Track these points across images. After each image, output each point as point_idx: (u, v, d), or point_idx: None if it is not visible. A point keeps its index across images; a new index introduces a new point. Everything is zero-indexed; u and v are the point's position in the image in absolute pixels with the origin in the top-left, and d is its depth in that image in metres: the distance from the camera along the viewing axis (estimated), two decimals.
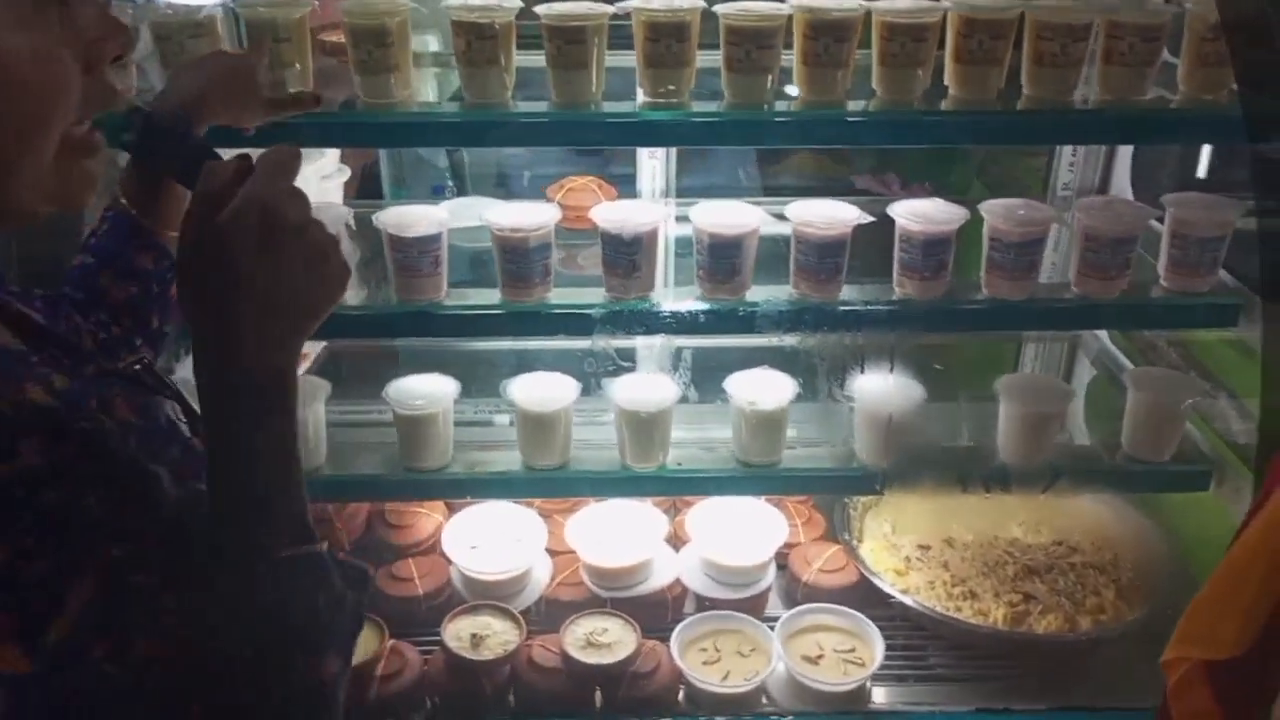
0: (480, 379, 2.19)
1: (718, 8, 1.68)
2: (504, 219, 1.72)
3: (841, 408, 1.94)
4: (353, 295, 1.80)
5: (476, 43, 1.68)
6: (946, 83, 1.74)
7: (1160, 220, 1.81)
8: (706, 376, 2.19)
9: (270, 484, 0.82)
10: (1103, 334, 2.29)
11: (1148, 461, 1.92)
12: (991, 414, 1.93)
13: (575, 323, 1.78)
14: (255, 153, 0.85)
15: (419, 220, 1.73)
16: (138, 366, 0.96)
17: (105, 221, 1.30)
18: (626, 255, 1.74)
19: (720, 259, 1.75)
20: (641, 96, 1.73)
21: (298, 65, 1.71)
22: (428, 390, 1.86)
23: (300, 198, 0.83)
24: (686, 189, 2.39)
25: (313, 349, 2.28)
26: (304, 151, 0.88)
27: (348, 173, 2.21)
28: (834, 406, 1.95)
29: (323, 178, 2.06)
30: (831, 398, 1.92)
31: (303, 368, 2.27)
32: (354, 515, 2.12)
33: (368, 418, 2.18)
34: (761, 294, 1.80)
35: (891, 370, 1.89)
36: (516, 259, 1.73)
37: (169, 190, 1.30)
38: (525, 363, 2.06)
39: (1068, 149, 2.20)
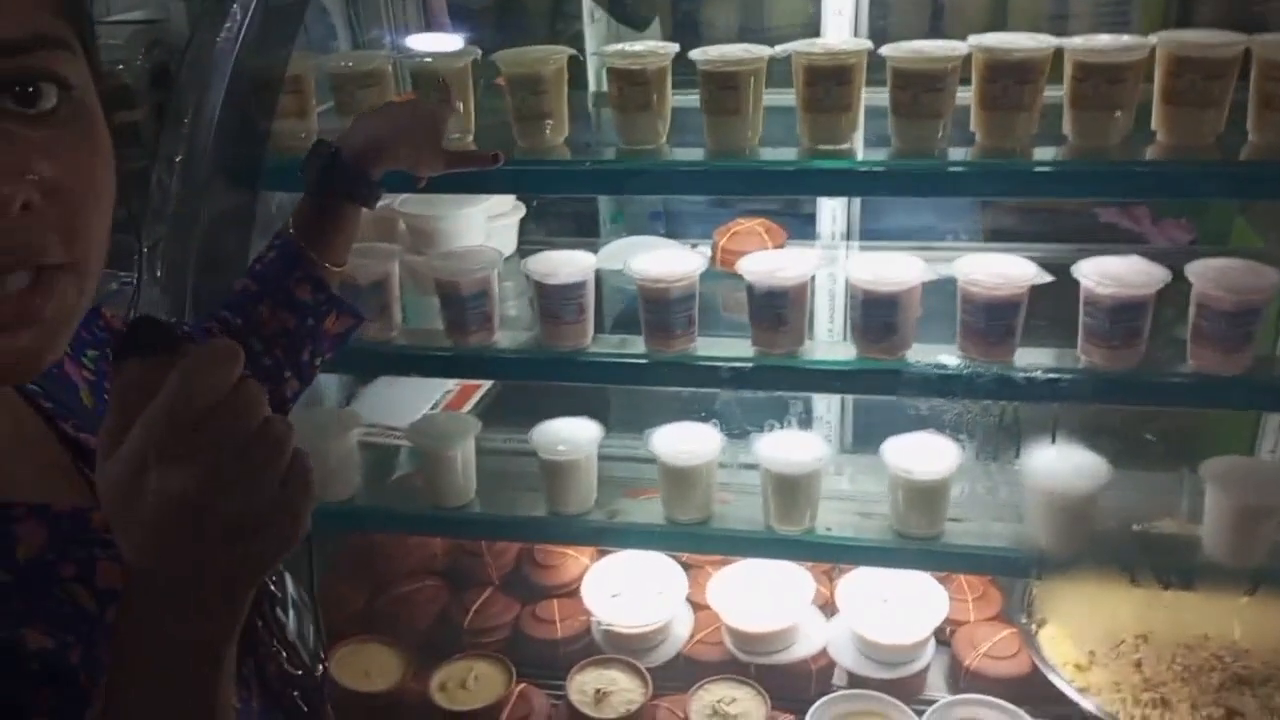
0: (639, 412, 2.16)
1: (884, 49, 1.56)
2: (645, 268, 1.68)
3: (1012, 478, 1.76)
4: (506, 337, 1.82)
5: (629, 89, 1.64)
6: (1154, 126, 1.53)
7: None
8: (870, 427, 2.06)
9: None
10: None
11: None
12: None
13: (719, 375, 1.71)
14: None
15: (563, 267, 1.71)
16: None
17: (272, 249, 1.35)
18: (772, 308, 1.65)
19: (874, 316, 1.62)
20: (803, 142, 1.64)
21: (460, 108, 1.74)
22: (571, 435, 1.85)
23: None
24: (881, 230, 2.26)
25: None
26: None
27: (522, 210, 2.23)
28: (1004, 478, 1.78)
29: (491, 218, 2.10)
30: (999, 469, 1.74)
31: (473, 398, 2.33)
32: (504, 551, 2.14)
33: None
34: (924, 353, 1.65)
35: (1054, 442, 1.69)
36: (658, 309, 1.68)
37: (338, 225, 1.35)
38: (684, 401, 2.01)
39: None
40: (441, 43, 2.09)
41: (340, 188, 1.34)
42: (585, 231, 2.73)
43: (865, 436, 2.16)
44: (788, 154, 1.63)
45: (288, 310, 1.31)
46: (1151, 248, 2.49)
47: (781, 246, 2.01)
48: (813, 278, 1.68)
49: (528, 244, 2.28)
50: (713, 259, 2.06)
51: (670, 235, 2.60)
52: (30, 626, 0.65)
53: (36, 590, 0.68)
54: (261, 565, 0.60)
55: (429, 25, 2.25)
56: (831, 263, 2.05)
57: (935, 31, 2.32)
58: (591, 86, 2.40)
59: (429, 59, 1.71)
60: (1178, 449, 2.09)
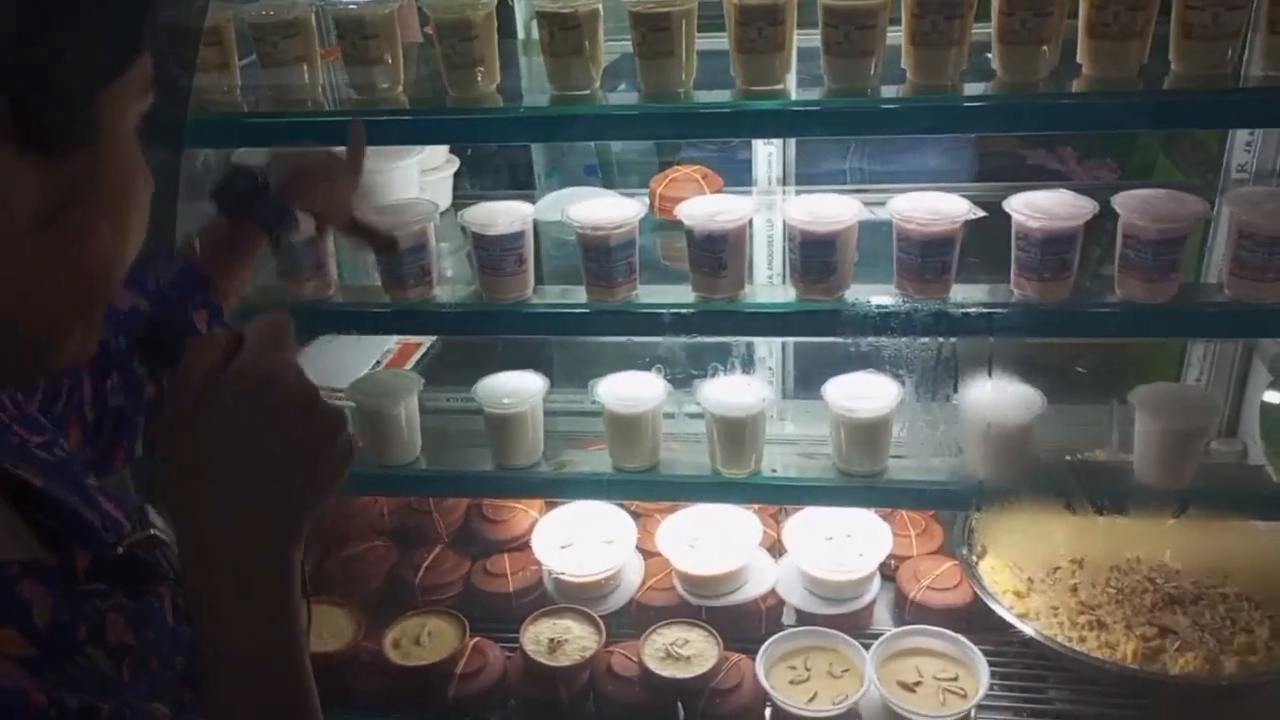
0: (583, 365, 2.16)
1: None
2: (584, 216, 1.66)
3: (951, 414, 1.79)
4: (444, 290, 1.80)
5: (559, 33, 1.62)
6: (1080, 60, 1.55)
7: None
8: (811, 372, 2.08)
9: (277, 691, 0.74)
10: None
11: None
12: None
13: (661, 323, 1.71)
14: None
15: (501, 217, 1.69)
16: (137, 545, 0.81)
17: (172, 271, 1.27)
18: (712, 253, 1.65)
19: (813, 257, 1.63)
20: (737, 84, 1.63)
21: (388, 59, 1.70)
22: (515, 388, 1.84)
23: (299, 372, 0.75)
24: (818, 175, 2.25)
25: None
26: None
27: (456, 164, 2.20)
28: (944, 413, 1.81)
29: (424, 171, 2.06)
30: (938, 406, 1.77)
31: (414, 356, 2.31)
32: (453, 508, 2.14)
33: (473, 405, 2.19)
34: (862, 293, 1.67)
35: (990, 376, 1.72)
36: (599, 257, 1.68)
37: (248, 254, 1.34)
38: (626, 352, 2.01)
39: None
40: None
41: (261, 217, 1.33)
42: (520, 185, 2.71)
43: (807, 380, 2.18)
44: (722, 96, 1.63)
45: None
46: (1079, 184, 2.54)
47: (719, 193, 2.01)
48: (751, 222, 1.69)
49: (462, 199, 2.26)
50: (651, 207, 2.05)
51: (606, 186, 2.59)
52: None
53: (61, 659, 0.67)
54: (331, 483, 0.75)
55: None
56: (769, 208, 2.05)
57: None
58: (520, 35, 2.37)
59: (353, 5, 1.66)
60: (1109, 381, 2.15)
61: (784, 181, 2.16)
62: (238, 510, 0.71)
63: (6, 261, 0.62)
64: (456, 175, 2.29)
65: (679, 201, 1.89)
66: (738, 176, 2.16)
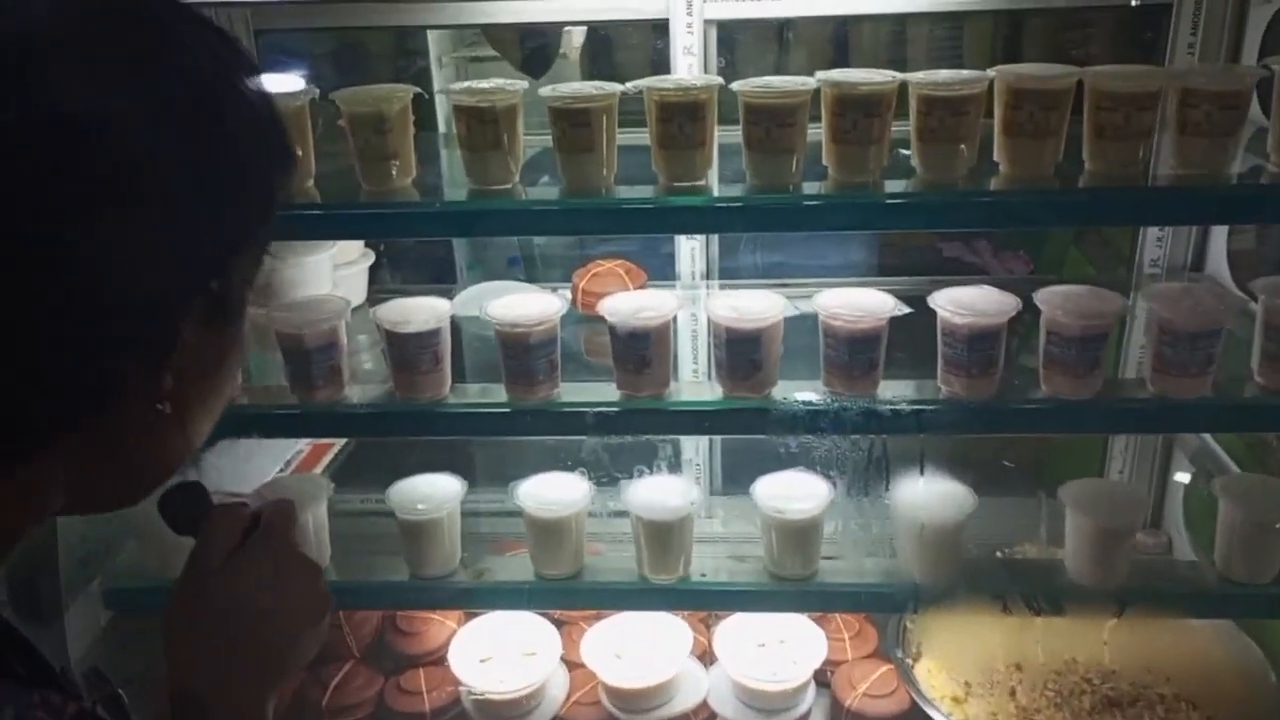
0: (503, 464, 2.08)
1: (735, 85, 1.55)
2: (503, 313, 1.61)
3: (883, 512, 1.75)
4: (357, 392, 1.72)
5: (477, 127, 1.58)
6: (996, 158, 1.57)
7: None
8: (739, 467, 2.03)
9: None
10: None
11: (1245, 583, 1.66)
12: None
13: (584, 423, 1.64)
14: None
15: (416, 314, 1.63)
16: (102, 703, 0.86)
17: None
18: (636, 350, 1.60)
19: (739, 354, 1.59)
20: (660, 179, 1.61)
21: (298, 152, 1.64)
22: (430, 492, 1.75)
23: (305, 555, 0.89)
24: (739, 269, 2.24)
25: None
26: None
27: (371, 257, 2.14)
28: (876, 512, 1.77)
29: (338, 265, 1.99)
30: (870, 504, 1.73)
31: (326, 457, 2.20)
32: (365, 620, 2.01)
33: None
34: (790, 390, 1.63)
35: (922, 474, 1.69)
36: (518, 355, 1.61)
37: None
38: (549, 450, 1.93)
39: None
40: (278, 83, 1.98)
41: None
42: (441, 278, 2.65)
43: (735, 477, 2.13)
44: (644, 191, 1.60)
45: None
46: (997, 278, 2.57)
47: (642, 287, 1.98)
48: (675, 318, 1.64)
49: (380, 293, 2.19)
50: (573, 302, 2.01)
51: (529, 280, 2.54)
52: None
53: None
54: (314, 648, 0.90)
55: (263, 69, 2.13)
56: (693, 302, 2.03)
57: (781, 70, 2.37)
58: (441, 128, 2.34)
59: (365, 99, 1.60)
60: (1035, 474, 2.14)
61: (707, 275, 2.14)
62: (240, 673, 0.83)
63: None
64: (374, 268, 2.23)
65: (602, 297, 1.84)
66: (661, 270, 2.14)
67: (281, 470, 2.06)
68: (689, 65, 1.95)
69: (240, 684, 0.83)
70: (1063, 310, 1.55)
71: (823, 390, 1.63)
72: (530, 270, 2.66)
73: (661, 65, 1.97)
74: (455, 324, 1.71)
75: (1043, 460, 2.32)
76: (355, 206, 1.58)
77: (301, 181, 1.64)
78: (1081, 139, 1.53)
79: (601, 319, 1.65)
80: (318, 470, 2.12)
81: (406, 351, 1.62)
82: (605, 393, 1.66)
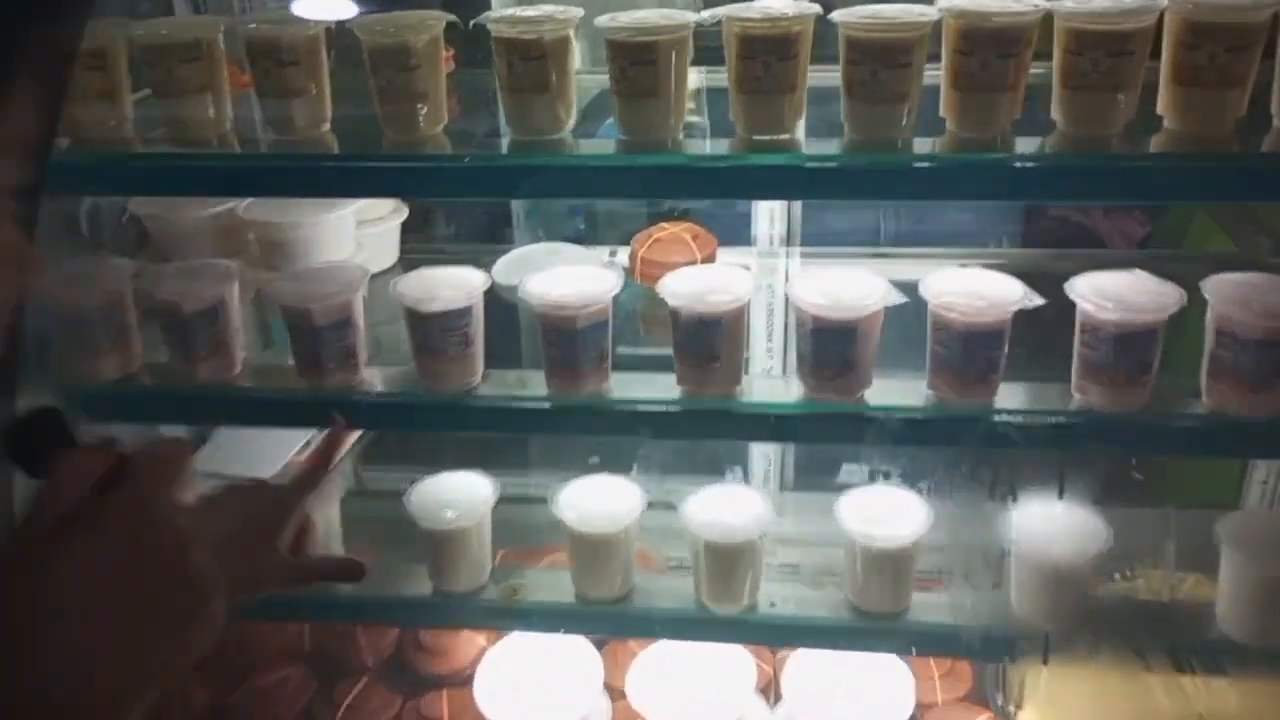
0: (542, 450, 1.83)
1: (837, 15, 1.26)
2: (544, 291, 1.34)
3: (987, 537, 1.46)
4: (376, 375, 1.47)
5: (520, 65, 1.31)
6: (1160, 110, 1.25)
7: None
8: (814, 460, 1.76)
9: None
10: None
11: None
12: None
13: (637, 423, 1.38)
14: None
15: (442, 289, 1.37)
16: None
17: None
18: (702, 341, 1.32)
19: (828, 349, 1.30)
20: (737, 131, 1.32)
21: (311, 89, 1.38)
22: (458, 496, 1.50)
23: (180, 523, 0.65)
24: (825, 233, 1.94)
25: None
26: None
27: (404, 212, 1.88)
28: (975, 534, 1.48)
29: (363, 222, 1.74)
30: (970, 525, 1.45)
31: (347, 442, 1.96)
32: (382, 633, 1.78)
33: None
34: (886, 393, 1.35)
35: (1061, 498, 1.40)
36: (563, 342, 1.35)
37: None
38: (595, 441, 1.67)
39: None
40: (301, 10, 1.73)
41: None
42: (492, 233, 2.36)
43: (809, 470, 1.86)
44: (718, 146, 1.31)
45: None
46: (1122, 253, 2.23)
47: (711, 257, 1.70)
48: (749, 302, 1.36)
49: (415, 253, 1.94)
50: (631, 271, 1.74)
51: (590, 234, 2.27)
52: None
53: None
54: (184, 656, 0.65)
55: None
56: (770, 272, 1.75)
57: None
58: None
59: (267, 26, 1.35)
60: (1157, 480, 1.82)
61: (787, 241, 1.86)
62: (75, 660, 0.60)
63: None
64: (410, 222, 1.97)
65: (664, 268, 1.58)
66: (734, 233, 1.85)
67: (298, 454, 1.83)
68: None
69: (73, 683, 0.60)
70: (1239, 306, 1.23)
71: (927, 394, 1.34)
72: (592, 225, 2.37)
73: None
74: (496, 296, 1.45)
75: (1166, 465, 2.00)
76: (368, 158, 1.33)
77: (314, 125, 1.39)
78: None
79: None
80: (342, 452, 1.89)
81: (431, 333, 1.37)
82: (664, 388, 1.39)
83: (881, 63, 1.24)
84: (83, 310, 1.43)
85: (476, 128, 1.48)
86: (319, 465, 0.95)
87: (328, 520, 1.54)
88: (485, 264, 1.83)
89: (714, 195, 1.53)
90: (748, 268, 1.76)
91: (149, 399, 1.49)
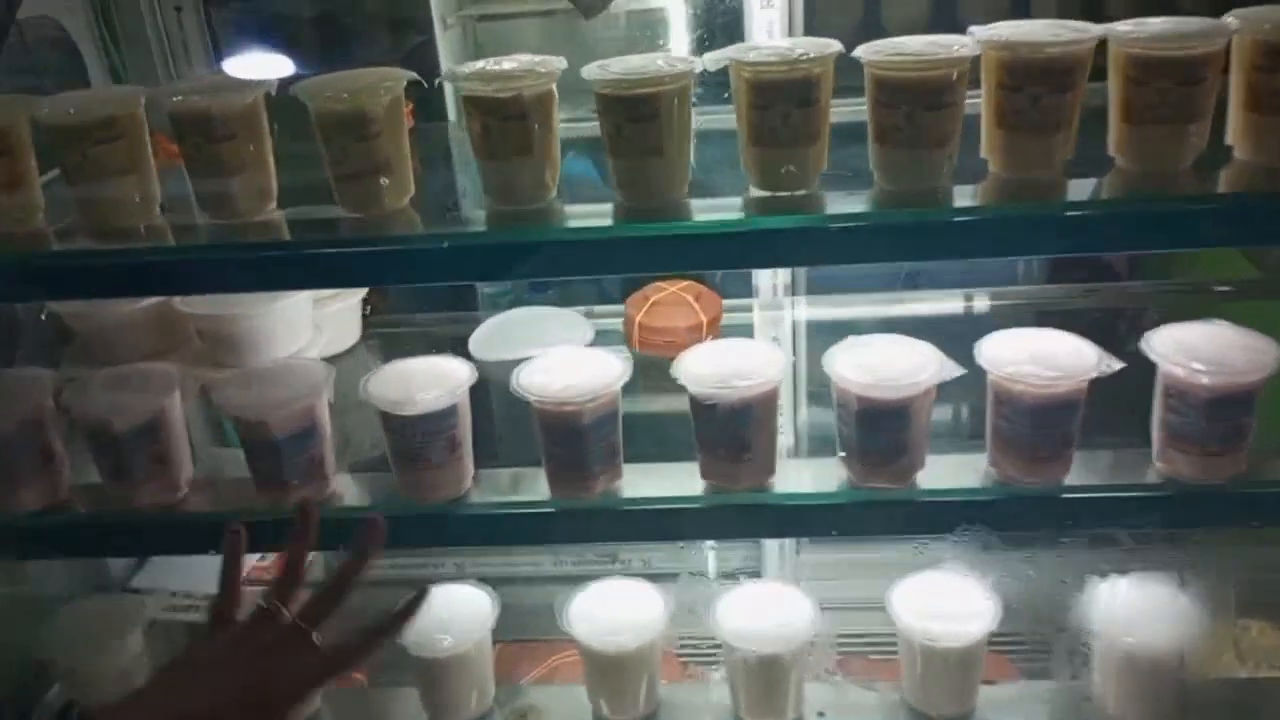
0: None
1: (862, 51, 1.09)
2: (543, 384, 1.15)
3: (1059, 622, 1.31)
4: (347, 486, 1.28)
5: (498, 126, 1.12)
6: (1232, 141, 1.10)
7: None
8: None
9: None
10: None
11: None
12: None
13: (656, 526, 1.20)
14: None
15: (423, 389, 1.17)
16: None
17: None
18: (732, 431, 1.14)
19: (877, 433, 1.13)
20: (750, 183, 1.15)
21: (253, 166, 1.18)
22: (455, 613, 1.31)
23: None
24: (834, 279, 1.77)
25: None
26: None
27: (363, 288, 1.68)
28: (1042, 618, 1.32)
29: (319, 300, 1.53)
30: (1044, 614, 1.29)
31: None
32: None
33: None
34: (942, 474, 1.18)
35: (1182, 589, 1.24)
36: (566, 440, 1.16)
37: None
38: None
39: None
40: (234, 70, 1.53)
41: None
42: (456, 299, 2.18)
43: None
44: (731, 208, 1.14)
45: None
46: (1145, 286, 2.07)
47: (717, 319, 1.53)
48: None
49: (378, 326, 1.74)
50: (628, 338, 1.56)
51: (563, 296, 2.08)
52: None
53: None
54: None
55: (217, 48, 1.67)
56: (773, 324, 1.59)
57: (869, 26, 1.88)
58: (451, 116, 1.87)
59: (197, 96, 1.15)
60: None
61: (792, 290, 1.70)
62: None
63: None
64: (368, 296, 1.77)
65: (665, 335, 1.41)
66: (731, 284, 1.68)
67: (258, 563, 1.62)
68: (766, 22, 1.50)
69: None
70: None
71: (988, 473, 1.17)
72: (565, 286, 2.19)
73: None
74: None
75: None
76: (326, 244, 1.13)
77: (257, 206, 1.19)
78: None
79: (665, 356, 1.20)
80: None
81: (411, 439, 1.18)
82: (683, 482, 1.21)
83: (920, 104, 1.07)
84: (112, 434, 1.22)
85: (446, 196, 1.29)
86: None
87: None
88: (457, 336, 1.65)
89: (733, 265, 1.36)
90: (751, 324, 1.60)
91: (81, 531, 1.28)
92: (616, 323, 1.61)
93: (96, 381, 1.26)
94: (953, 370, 1.12)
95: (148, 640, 1.39)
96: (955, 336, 1.51)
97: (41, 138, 1.21)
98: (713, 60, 1.12)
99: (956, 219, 1.09)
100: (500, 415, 1.44)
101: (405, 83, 1.16)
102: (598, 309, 1.68)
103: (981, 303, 1.79)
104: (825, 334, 1.63)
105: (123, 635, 1.29)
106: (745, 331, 1.59)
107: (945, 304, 1.79)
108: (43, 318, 1.47)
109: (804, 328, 1.67)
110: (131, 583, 1.61)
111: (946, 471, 1.18)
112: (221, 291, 1.35)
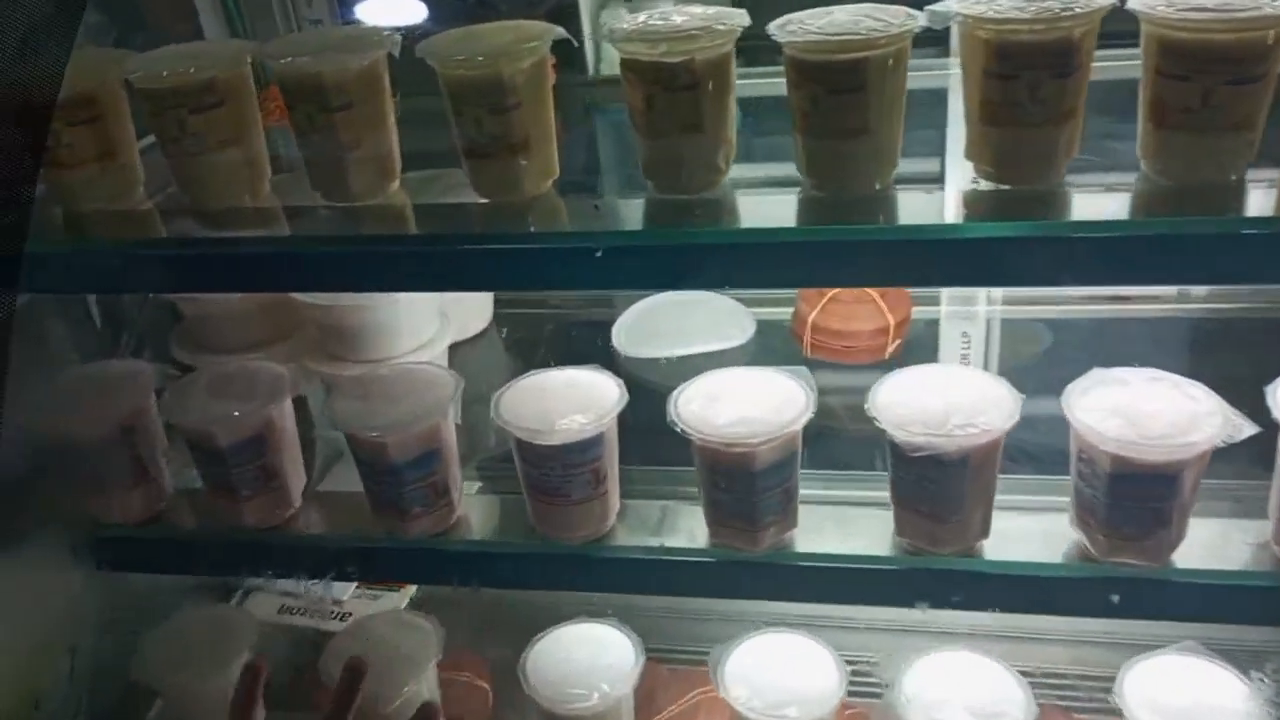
0: None
1: (1139, 3, 0.83)
2: (708, 417, 0.95)
3: None
4: (476, 513, 1.11)
5: (663, 97, 0.91)
6: None
7: None
8: None
9: None
10: None
11: None
12: None
13: (834, 587, 1.00)
14: None
15: (565, 418, 0.98)
16: None
17: None
18: (939, 488, 0.92)
19: (1132, 501, 0.89)
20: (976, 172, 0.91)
21: (371, 141, 1.00)
22: (591, 661, 1.13)
23: None
24: None
25: None
26: None
27: None
28: None
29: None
30: None
31: None
32: None
33: None
34: (1200, 549, 0.93)
35: None
36: (735, 485, 0.96)
37: None
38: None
39: None
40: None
41: None
42: None
43: None
44: (942, 207, 0.90)
45: None
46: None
47: (905, 321, 1.29)
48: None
49: (509, 307, 1.56)
50: (795, 335, 1.34)
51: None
52: None
53: None
54: None
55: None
56: (966, 319, 1.34)
57: None
58: (590, 71, 1.66)
59: (307, 58, 0.96)
60: None
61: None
62: None
63: None
64: None
65: (845, 340, 1.21)
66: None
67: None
68: None
69: None
70: None
71: (1272, 552, 0.92)
72: None
73: None
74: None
75: None
76: (456, 239, 0.94)
77: (373, 187, 1.01)
78: None
79: (842, 363, 0.99)
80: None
81: (549, 473, 0.99)
82: (872, 534, 1.00)
83: (1224, 76, 0.81)
84: (91, 436, 1.09)
85: (590, 179, 1.08)
86: None
87: (429, 687, 1.19)
88: (596, 323, 1.46)
89: (966, 283, 1.12)
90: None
91: (178, 547, 1.15)
92: (782, 313, 1.38)
93: (199, 384, 1.12)
94: (1241, 427, 0.86)
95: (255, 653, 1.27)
96: (1187, 345, 1.25)
97: (135, 101, 1.06)
98: (939, 16, 0.87)
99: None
100: (640, 417, 1.24)
101: (550, 40, 0.95)
102: (761, 294, 1.45)
103: (1198, 302, 1.48)
104: (1021, 337, 1.37)
105: (228, 659, 1.16)
106: (926, 331, 1.35)
107: (1159, 304, 1.48)
108: (150, 295, 1.35)
109: (998, 326, 1.41)
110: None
111: (1205, 545, 0.93)
112: (320, 290, 1.19)
